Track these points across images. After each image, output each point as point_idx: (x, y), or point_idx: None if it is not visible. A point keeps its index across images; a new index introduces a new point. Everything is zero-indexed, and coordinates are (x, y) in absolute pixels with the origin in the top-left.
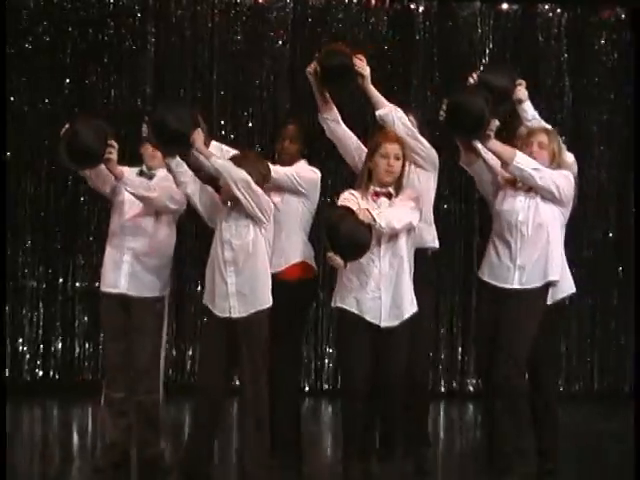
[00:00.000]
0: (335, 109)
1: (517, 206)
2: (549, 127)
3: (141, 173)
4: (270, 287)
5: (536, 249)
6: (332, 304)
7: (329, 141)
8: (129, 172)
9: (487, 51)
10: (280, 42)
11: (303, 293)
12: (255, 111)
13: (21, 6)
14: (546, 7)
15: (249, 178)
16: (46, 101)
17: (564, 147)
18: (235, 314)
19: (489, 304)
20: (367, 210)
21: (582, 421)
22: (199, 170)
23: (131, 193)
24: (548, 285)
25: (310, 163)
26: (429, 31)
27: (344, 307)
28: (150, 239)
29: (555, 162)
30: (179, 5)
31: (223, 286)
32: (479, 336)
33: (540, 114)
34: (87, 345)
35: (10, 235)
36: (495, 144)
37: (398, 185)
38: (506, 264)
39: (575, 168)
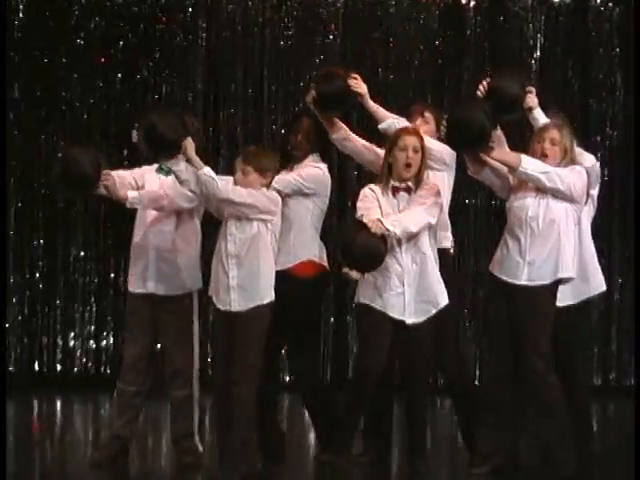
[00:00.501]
0: (343, 128)
1: (527, 202)
2: (560, 123)
3: (160, 169)
4: (272, 282)
5: (547, 246)
6: (355, 300)
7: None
8: (141, 174)
9: (538, 46)
10: (331, 37)
11: (313, 290)
12: (306, 107)
13: (73, 1)
14: (598, 1)
15: (230, 195)
16: (98, 96)
17: (582, 151)
18: (235, 307)
19: (498, 299)
20: (379, 221)
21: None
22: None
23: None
24: (558, 282)
25: (323, 158)
26: (480, 26)
27: (367, 303)
28: (173, 236)
29: (567, 158)
30: (230, 0)
31: (225, 279)
32: (490, 333)
33: (591, 109)
34: None
35: (63, 231)
36: (498, 153)
37: (418, 179)
38: (515, 259)
39: (597, 169)
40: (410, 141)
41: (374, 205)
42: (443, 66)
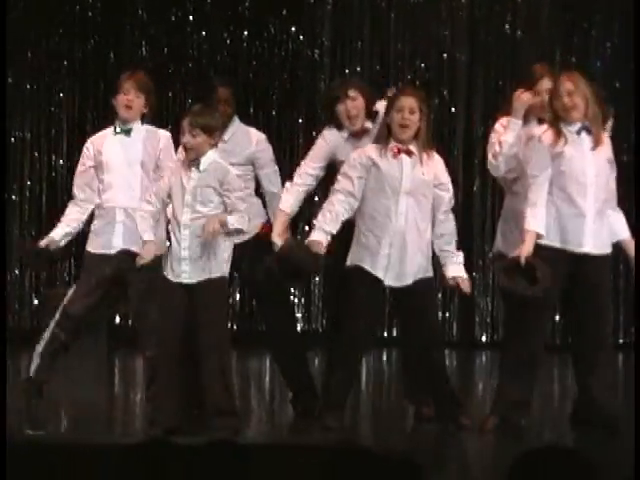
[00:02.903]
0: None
1: (587, 162)
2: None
3: (115, 131)
4: (227, 256)
5: (603, 211)
6: (347, 262)
7: None
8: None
9: None
10: None
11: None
12: (432, 64)
13: None
14: None
15: (246, 228)
16: (225, 54)
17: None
18: (187, 280)
19: (549, 266)
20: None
21: None
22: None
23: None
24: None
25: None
26: None
27: (357, 264)
28: (140, 197)
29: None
30: None
31: (177, 249)
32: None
33: None
34: None
35: None
36: (525, 250)
37: (419, 142)
38: (579, 226)
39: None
40: (406, 102)
41: (355, 184)
42: (572, 22)
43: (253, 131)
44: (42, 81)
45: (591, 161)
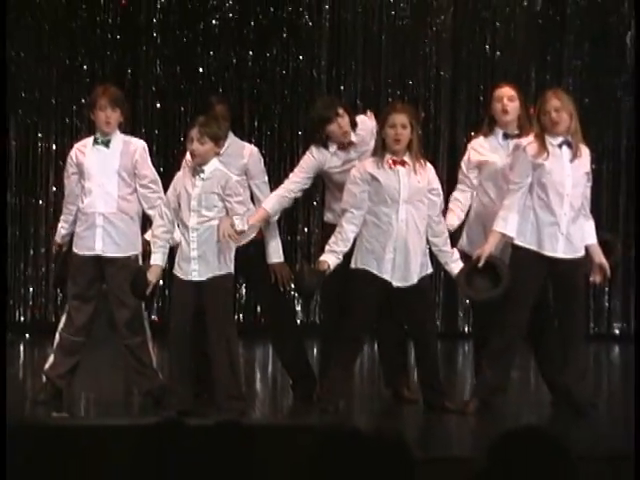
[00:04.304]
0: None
1: (565, 174)
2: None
3: (96, 141)
4: (232, 254)
5: (578, 217)
6: (352, 265)
7: None
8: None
9: (632, 23)
10: (442, 17)
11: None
12: (419, 81)
13: None
14: None
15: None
16: (232, 72)
17: None
18: (197, 277)
19: (526, 267)
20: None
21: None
22: None
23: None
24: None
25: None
26: (579, 4)
27: (364, 268)
28: (116, 200)
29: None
30: None
31: (187, 250)
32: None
33: None
34: None
35: None
36: (488, 248)
37: (412, 154)
38: (555, 234)
39: None
40: (398, 118)
41: (359, 197)
42: (545, 43)
43: (246, 145)
44: (67, 95)
45: (569, 173)
